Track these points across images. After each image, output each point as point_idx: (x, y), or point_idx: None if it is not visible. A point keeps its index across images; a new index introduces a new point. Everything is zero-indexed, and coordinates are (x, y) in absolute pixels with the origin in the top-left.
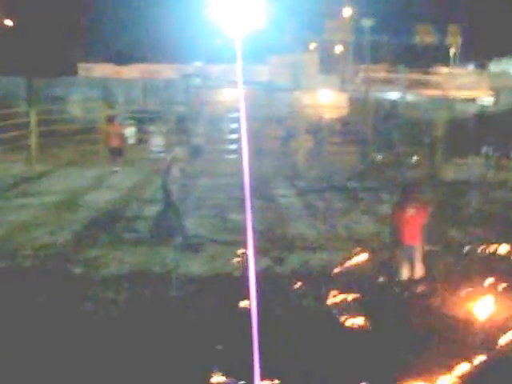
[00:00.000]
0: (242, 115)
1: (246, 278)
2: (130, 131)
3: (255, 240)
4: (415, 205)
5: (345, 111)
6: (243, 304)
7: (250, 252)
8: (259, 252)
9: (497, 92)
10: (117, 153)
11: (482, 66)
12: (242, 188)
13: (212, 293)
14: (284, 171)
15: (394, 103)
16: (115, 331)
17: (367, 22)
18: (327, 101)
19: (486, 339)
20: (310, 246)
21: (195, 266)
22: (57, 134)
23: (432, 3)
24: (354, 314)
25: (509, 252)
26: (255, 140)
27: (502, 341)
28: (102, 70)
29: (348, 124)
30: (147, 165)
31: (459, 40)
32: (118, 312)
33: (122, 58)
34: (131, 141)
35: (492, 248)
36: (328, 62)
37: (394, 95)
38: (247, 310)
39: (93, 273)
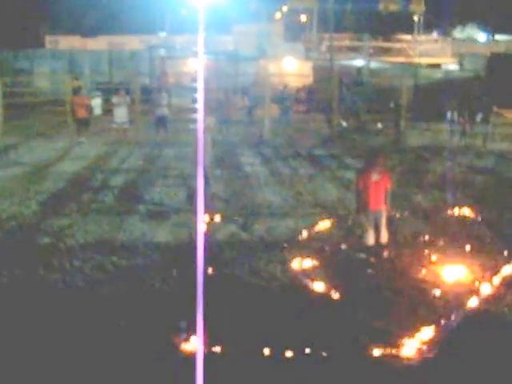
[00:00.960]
0: (200, 85)
1: (210, 246)
2: (95, 102)
3: (222, 207)
4: (379, 170)
5: (310, 79)
6: (209, 271)
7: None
8: (225, 219)
9: (461, 58)
10: (83, 124)
11: (445, 32)
12: (206, 156)
13: (177, 261)
14: (250, 139)
15: (358, 71)
16: (82, 300)
17: None
18: (292, 69)
19: (453, 302)
20: (276, 212)
21: (160, 234)
22: (23, 106)
23: None
24: (320, 279)
25: (473, 216)
26: (221, 109)
27: (469, 303)
28: (68, 42)
29: (313, 92)
30: (112, 135)
31: (422, 7)
32: (84, 281)
33: (88, 31)
34: (97, 112)
35: (457, 212)
36: (293, 31)
37: (358, 63)
38: (212, 277)
39: (59, 243)
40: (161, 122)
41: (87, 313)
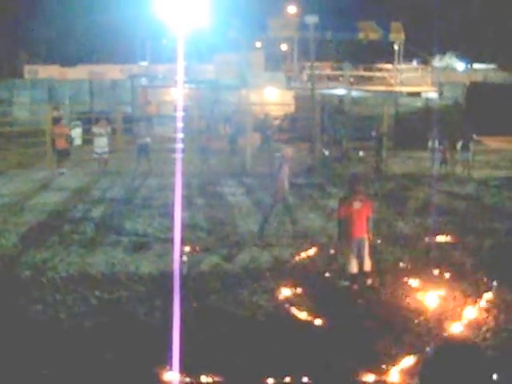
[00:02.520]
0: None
1: (192, 277)
2: (76, 132)
3: (204, 238)
4: (361, 198)
5: (291, 108)
6: (193, 303)
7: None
8: (209, 250)
9: (440, 86)
10: (63, 154)
11: (424, 61)
12: (189, 187)
13: (160, 292)
14: (232, 169)
15: (340, 99)
16: (64, 333)
17: (311, 19)
18: (274, 98)
19: (436, 329)
20: (259, 242)
21: (143, 265)
22: (2, 137)
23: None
24: (304, 308)
25: (455, 242)
26: (203, 138)
27: (451, 329)
28: (47, 71)
29: (295, 121)
30: (93, 166)
31: (402, 36)
32: (66, 314)
33: (68, 60)
34: (77, 142)
35: (439, 239)
36: (274, 60)
37: (339, 91)
38: (196, 309)
39: (41, 275)
40: (143, 151)
41: (71, 347)
